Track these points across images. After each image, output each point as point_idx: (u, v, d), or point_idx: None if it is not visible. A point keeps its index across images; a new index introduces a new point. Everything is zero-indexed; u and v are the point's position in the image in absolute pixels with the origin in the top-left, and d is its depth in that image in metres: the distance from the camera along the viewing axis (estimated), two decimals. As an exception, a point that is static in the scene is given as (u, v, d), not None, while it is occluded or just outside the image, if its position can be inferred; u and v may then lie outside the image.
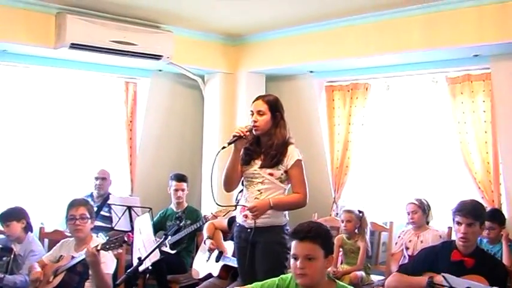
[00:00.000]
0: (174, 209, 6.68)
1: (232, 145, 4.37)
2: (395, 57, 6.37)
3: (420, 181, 6.75)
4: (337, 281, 3.22)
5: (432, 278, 3.77)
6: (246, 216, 4.41)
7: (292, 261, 3.11)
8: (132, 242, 4.32)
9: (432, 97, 6.66)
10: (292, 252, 3.10)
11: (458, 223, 3.98)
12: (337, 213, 6.89)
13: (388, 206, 6.90)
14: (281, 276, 3.27)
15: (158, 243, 4.13)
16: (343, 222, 5.93)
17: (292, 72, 7.66)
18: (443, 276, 3.46)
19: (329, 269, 5.44)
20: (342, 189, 7.24)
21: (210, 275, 5.80)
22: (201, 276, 5.92)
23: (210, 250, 5.88)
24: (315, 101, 7.54)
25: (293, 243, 3.10)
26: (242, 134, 4.31)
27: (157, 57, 6.60)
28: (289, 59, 7.20)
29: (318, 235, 3.06)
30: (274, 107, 4.44)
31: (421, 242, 5.55)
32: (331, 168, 7.32)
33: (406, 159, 6.94)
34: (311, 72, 7.49)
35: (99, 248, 4.30)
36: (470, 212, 3.95)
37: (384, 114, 7.13)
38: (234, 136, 4.32)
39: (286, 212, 4.54)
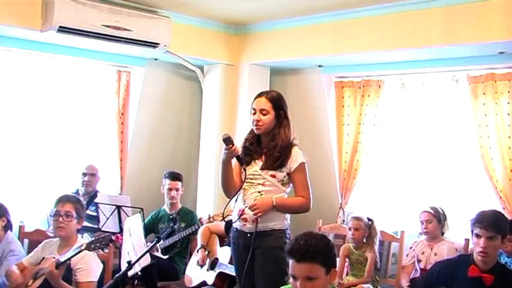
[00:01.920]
0: (167, 210, 6.60)
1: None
2: (412, 52, 6.29)
3: (436, 188, 6.65)
4: None
5: None
6: (245, 220, 4.36)
7: (291, 279, 3.08)
8: (121, 245, 4.25)
9: (451, 97, 6.58)
10: (290, 272, 3.07)
11: (478, 236, 3.88)
12: (343, 220, 6.83)
13: (399, 214, 6.83)
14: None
15: (149, 246, 4.08)
16: (350, 230, 5.84)
17: (299, 66, 7.59)
18: None
19: (334, 281, 5.46)
20: (349, 194, 7.15)
21: (204, 283, 5.76)
22: (194, 284, 5.88)
23: (201, 264, 5.86)
24: (323, 98, 7.47)
25: (290, 263, 3.06)
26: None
27: (153, 44, 6.51)
28: (296, 52, 7.12)
29: (316, 254, 3.01)
30: (278, 105, 4.41)
31: (435, 254, 5.48)
32: (339, 171, 7.25)
33: (420, 163, 6.85)
34: (319, 66, 7.42)
35: (83, 247, 4.20)
36: (491, 224, 3.86)
37: (398, 114, 7.05)
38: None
39: (288, 216, 4.51)
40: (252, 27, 7.50)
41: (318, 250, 3.01)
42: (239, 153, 4.35)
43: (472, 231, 3.97)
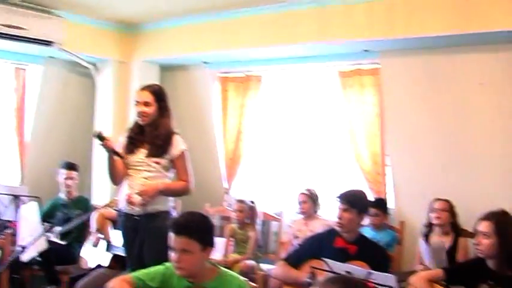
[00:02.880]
0: (64, 198, 6.71)
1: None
2: (288, 49, 6.71)
3: (311, 172, 7.12)
4: (219, 267, 3.36)
5: (313, 273, 3.95)
6: (133, 204, 4.53)
7: (170, 251, 3.19)
8: (17, 232, 4.35)
9: (324, 90, 7.06)
10: (169, 243, 3.17)
11: (338, 209, 4.27)
12: (229, 204, 7.13)
13: (279, 196, 7.23)
14: (166, 264, 3.35)
15: (42, 232, 4.24)
16: (234, 212, 6.25)
17: (186, 62, 7.91)
18: (323, 261, 3.62)
19: (219, 258, 5.84)
20: (234, 179, 7.55)
21: (99, 266, 5.91)
22: (90, 266, 6.01)
23: (95, 244, 6.05)
24: (209, 92, 7.80)
25: (170, 235, 3.16)
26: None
27: (47, 42, 6.67)
28: (183, 49, 7.42)
29: (194, 229, 3.15)
30: (160, 97, 4.65)
31: (310, 231, 5.83)
32: (224, 159, 7.61)
33: (297, 150, 7.30)
34: (205, 63, 7.73)
35: None
36: (345, 198, 4.24)
37: (277, 106, 7.48)
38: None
39: (172, 198, 4.76)
40: (142, 26, 7.72)
41: (195, 226, 3.18)
42: (114, 148, 4.53)
43: (338, 206, 4.38)
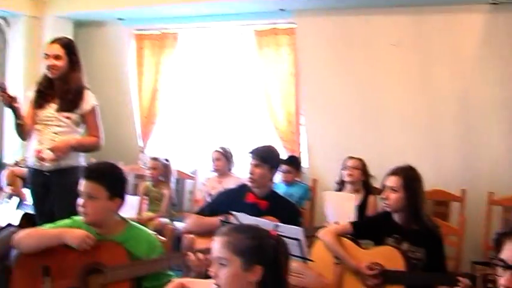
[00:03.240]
0: None
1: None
2: (204, 6, 6.64)
3: (226, 130, 7.15)
4: (128, 221, 3.31)
5: (226, 217, 3.93)
6: (42, 159, 4.39)
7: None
8: None
9: (240, 49, 7.05)
10: (79, 187, 3.15)
11: (250, 164, 4.25)
12: (145, 163, 7.02)
13: (194, 154, 7.24)
14: (73, 217, 3.30)
15: None
16: (148, 169, 6.19)
17: (101, 18, 7.75)
18: (232, 214, 3.64)
19: (133, 216, 5.76)
20: (149, 138, 7.50)
21: (10, 225, 5.64)
22: (0, 225, 5.74)
23: (10, 197, 5.90)
24: (124, 49, 7.68)
25: (80, 180, 3.15)
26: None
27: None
28: (97, 4, 7.23)
29: (102, 176, 3.13)
30: (71, 50, 4.50)
31: (224, 188, 5.65)
32: (140, 117, 7.55)
33: (213, 109, 7.30)
34: (120, 19, 7.59)
35: None
36: (257, 153, 4.23)
37: (193, 64, 7.42)
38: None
39: (83, 154, 4.63)
40: (55, -20, 7.48)
41: (104, 173, 3.16)
42: (12, 103, 4.30)
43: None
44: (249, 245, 2.27)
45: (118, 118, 7.36)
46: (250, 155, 4.27)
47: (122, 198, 3.23)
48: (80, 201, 3.13)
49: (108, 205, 3.15)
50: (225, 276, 2.26)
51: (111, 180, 3.18)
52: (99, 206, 3.12)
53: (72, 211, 3.37)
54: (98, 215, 3.14)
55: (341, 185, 5.54)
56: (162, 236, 4.12)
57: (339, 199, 5.09)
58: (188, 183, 6.75)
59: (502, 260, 1.96)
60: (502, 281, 1.94)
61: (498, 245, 2.01)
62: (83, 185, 3.12)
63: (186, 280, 2.74)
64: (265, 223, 3.40)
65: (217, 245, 2.30)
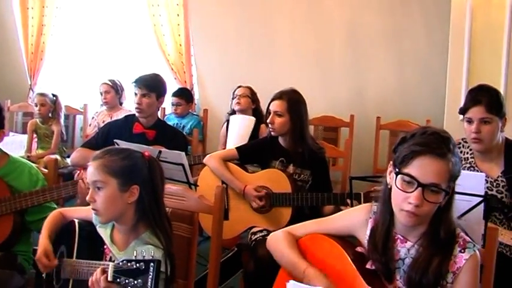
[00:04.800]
0: None
1: None
2: None
3: (115, 63, 7.01)
4: (9, 154, 3.22)
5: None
6: None
7: None
8: None
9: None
10: None
11: (136, 94, 4.16)
12: (33, 100, 6.83)
13: (84, 89, 7.08)
14: None
15: None
16: (37, 106, 5.98)
17: None
18: (116, 143, 3.57)
19: (23, 154, 5.60)
20: (38, 75, 7.21)
21: None
22: None
23: None
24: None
25: None
26: None
27: None
28: None
29: None
30: None
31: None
32: (26, 54, 7.20)
33: (101, 41, 7.11)
34: None
35: None
36: (144, 82, 4.13)
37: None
38: None
39: None
40: None
41: None
42: None
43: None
44: (124, 165, 2.23)
45: (3, 57, 7.10)
46: (135, 84, 4.16)
47: (3, 127, 3.13)
48: None
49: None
50: (102, 199, 2.21)
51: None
52: None
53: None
54: None
55: (232, 115, 5.52)
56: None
57: (242, 121, 5.08)
58: (78, 118, 6.60)
59: (411, 176, 1.96)
60: (412, 199, 1.96)
61: (402, 159, 2.00)
62: None
63: (65, 209, 2.66)
64: (149, 149, 3.36)
65: (91, 169, 2.23)
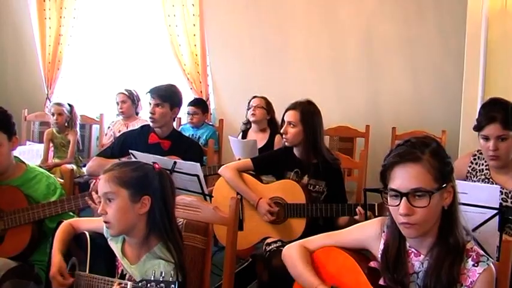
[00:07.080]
0: None
1: None
2: None
3: (132, 73, 7.04)
4: (27, 163, 3.24)
5: (129, 158, 3.82)
6: None
7: None
8: None
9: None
10: None
11: (151, 104, 4.17)
12: (50, 109, 6.86)
13: (100, 99, 7.12)
14: None
15: None
16: (53, 115, 6.02)
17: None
18: (131, 154, 3.65)
19: (40, 163, 5.63)
20: (55, 84, 7.27)
21: None
22: None
23: None
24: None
25: None
26: None
27: None
28: None
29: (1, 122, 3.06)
30: None
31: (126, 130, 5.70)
32: (43, 64, 7.27)
33: (119, 51, 7.16)
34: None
35: None
36: (158, 92, 4.16)
37: (96, 6, 7.20)
38: None
39: None
40: None
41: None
42: None
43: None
44: (134, 175, 2.25)
45: (21, 67, 7.17)
46: (150, 94, 4.18)
47: (14, 134, 3.15)
48: None
49: (10, 148, 3.10)
50: (114, 210, 2.22)
51: (5, 122, 3.09)
52: (3, 152, 3.06)
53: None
54: (3, 161, 3.08)
55: (247, 125, 5.54)
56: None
57: (243, 145, 5.09)
58: (95, 128, 6.63)
59: (393, 190, 1.99)
60: (400, 210, 1.97)
61: (385, 177, 2.05)
62: None
63: (74, 220, 2.68)
64: (164, 160, 3.40)
65: (102, 182, 2.25)
